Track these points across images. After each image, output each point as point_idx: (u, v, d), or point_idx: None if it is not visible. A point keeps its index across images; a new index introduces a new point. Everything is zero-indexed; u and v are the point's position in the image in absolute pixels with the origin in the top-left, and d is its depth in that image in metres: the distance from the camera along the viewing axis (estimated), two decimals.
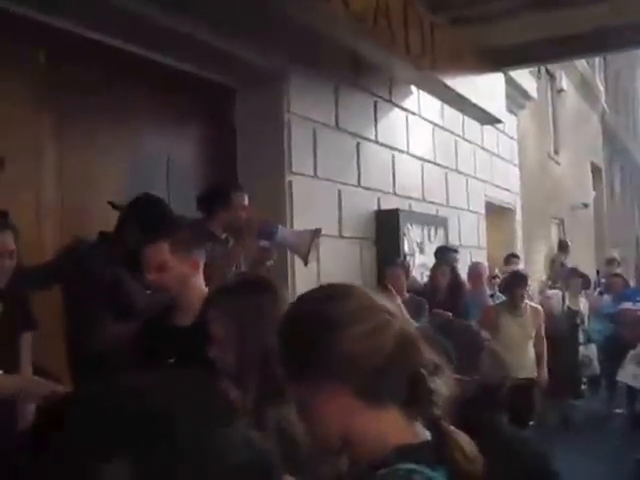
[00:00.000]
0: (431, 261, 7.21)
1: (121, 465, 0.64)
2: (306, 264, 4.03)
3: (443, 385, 1.35)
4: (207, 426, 0.74)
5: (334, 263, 5.92)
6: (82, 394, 0.78)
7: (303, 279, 5.25)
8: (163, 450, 0.67)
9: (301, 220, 5.51)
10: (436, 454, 1.29)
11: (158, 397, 0.72)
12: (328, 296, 1.42)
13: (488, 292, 7.90)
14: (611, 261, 12.61)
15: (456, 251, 7.60)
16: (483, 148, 10.01)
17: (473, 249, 9.25)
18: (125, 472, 0.63)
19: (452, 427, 1.34)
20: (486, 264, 8.50)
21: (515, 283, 6.82)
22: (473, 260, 8.56)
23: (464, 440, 1.33)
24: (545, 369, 6.86)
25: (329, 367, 1.32)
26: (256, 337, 2.12)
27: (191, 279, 3.00)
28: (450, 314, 5.93)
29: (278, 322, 1.46)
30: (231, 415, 0.80)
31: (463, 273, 7.55)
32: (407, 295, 6.11)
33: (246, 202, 4.42)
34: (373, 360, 1.32)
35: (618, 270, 11.50)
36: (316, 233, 4.05)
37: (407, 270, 6.47)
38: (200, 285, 3.05)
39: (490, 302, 7.50)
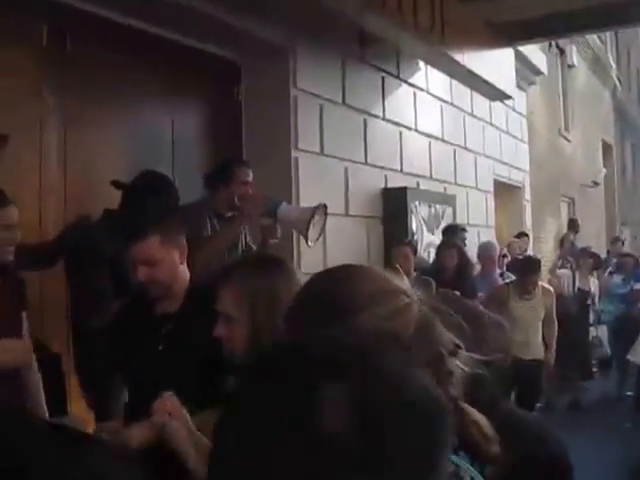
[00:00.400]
0: (439, 240, 7.13)
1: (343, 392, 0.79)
2: (307, 241, 3.90)
3: (460, 365, 1.30)
4: (399, 364, 0.87)
5: (340, 241, 5.86)
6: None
7: (309, 257, 5.19)
8: (372, 382, 0.81)
9: (307, 198, 5.43)
10: (456, 437, 1.25)
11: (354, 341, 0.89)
12: (341, 278, 1.37)
13: (497, 271, 7.84)
14: (615, 240, 12.55)
15: (464, 230, 7.52)
16: (492, 125, 9.90)
17: (481, 228, 9.17)
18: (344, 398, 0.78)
19: (468, 407, 1.29)
20: (495, 243, 8.43)
21: (529, 269, 6.73)
22: (481, 239, 8.48)
23: (482, 420, 1.29)
24: (553, 351, 6.80)
25: None
26: (269, 313, 2.07)
27: (179, 267, 2.90)
28: (458, 293, 5.86)
29: (289, 304, 1.40)
30: (412, 361, 0.91)
31: (471, 252, 7.47)
32: (414, 274, 6.05)
33: (250, 178, 4.34)
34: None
35: (624, 249, 11.43)
36: (318, 209, 3.92)
37: (415, 249, 6.40)
38: (185, 270, 2.95)
39: (500, 281, 7.43)
